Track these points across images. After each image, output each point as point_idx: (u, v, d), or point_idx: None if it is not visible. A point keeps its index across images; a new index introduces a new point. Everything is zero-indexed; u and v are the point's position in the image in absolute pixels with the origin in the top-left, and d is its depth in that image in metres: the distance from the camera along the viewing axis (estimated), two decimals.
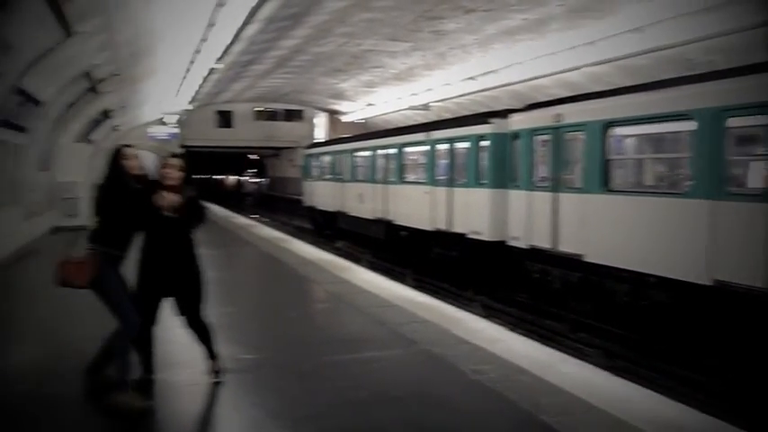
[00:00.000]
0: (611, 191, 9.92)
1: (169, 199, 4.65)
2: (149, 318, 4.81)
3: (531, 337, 7.24)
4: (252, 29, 15.65)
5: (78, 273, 4.52)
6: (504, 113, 13.20)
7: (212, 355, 5.05)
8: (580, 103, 10.85)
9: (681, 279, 8.52)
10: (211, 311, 7.57)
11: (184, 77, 20.70)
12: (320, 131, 38.35)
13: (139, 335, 4.72)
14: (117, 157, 4.78)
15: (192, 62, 17.23)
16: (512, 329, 7.58)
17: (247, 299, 8.84)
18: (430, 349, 5.88)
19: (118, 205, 4.62)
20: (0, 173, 10.79)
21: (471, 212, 13.59)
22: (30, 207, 13.78)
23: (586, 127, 10.34)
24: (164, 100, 26.63)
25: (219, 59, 16.44)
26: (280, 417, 4.39)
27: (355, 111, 33.67)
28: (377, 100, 30.67)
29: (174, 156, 5.01)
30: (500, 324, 8.39)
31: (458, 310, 7.73)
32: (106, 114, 20.05)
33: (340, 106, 34.75)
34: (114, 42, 12.06)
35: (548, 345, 6.89)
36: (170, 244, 4.78)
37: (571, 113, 10.82)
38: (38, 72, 10.30)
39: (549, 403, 4.50)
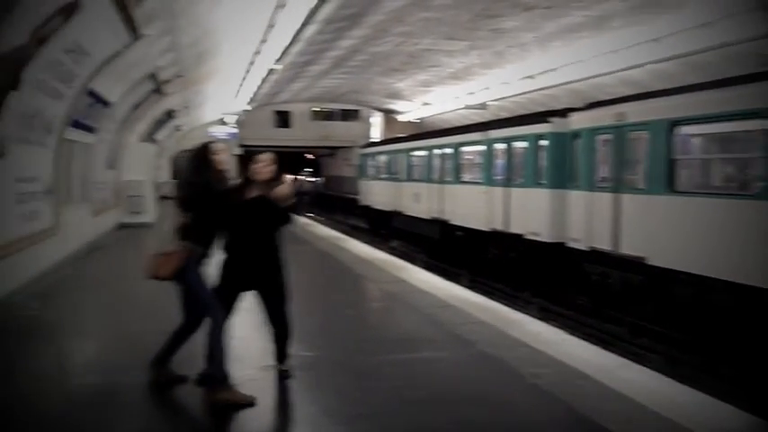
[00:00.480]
0: (676, 192, 9.60)
1: (281, 191, 4.69)
2: (226, 311, 4.87)
3: (590, 341, 7.07)
4: (310, 30, 15.83)
5: (165, 265, 4.58)
6: (563, 112, 12.95)
7: (283, 355, 5.06)
8: (644, 101, 10.54)
9: (750, 284, 8.18)
10: None
11: (244, 78, 21.15)
12: (376, 131, 38.49)
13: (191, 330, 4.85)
14: (205, 152, 4.75)
15: (251, 63, 17.59)
16: (570, 333, 7.40)
17: (305, 296, 8.82)
18: (487, 351, 5.81)
19: (208, 202, 4.64)
20: (71, 171, 11.25)
21: (529, 213, 13.39)
22: (97, 204, 14.31)
23: (651, 126, 10.03)
24: (224, 100, 27.24)
25: (278, 60, 16.71)
26: (336, 414, 4.41)
27: (411, 110, 33.66)
28: (433, 99, 30.58)
29: (267, 152, 5.00)
30: (558, 327, 8.23)
31: (515, 311, 7.62)
32: (170, 115, 20.65)
33: (396, 106, 34.80)
34: (179, 44, 12.41)
35: (608, 349, 6.71)
36: (255, 239, 4.80)
37: (634, 112, 10.53)
38: (106, 74, 10.68)
39: (611, 410, 4.38)
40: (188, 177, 4.77)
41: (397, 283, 9.39)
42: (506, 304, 9.25)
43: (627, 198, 10.61)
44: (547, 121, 13.03)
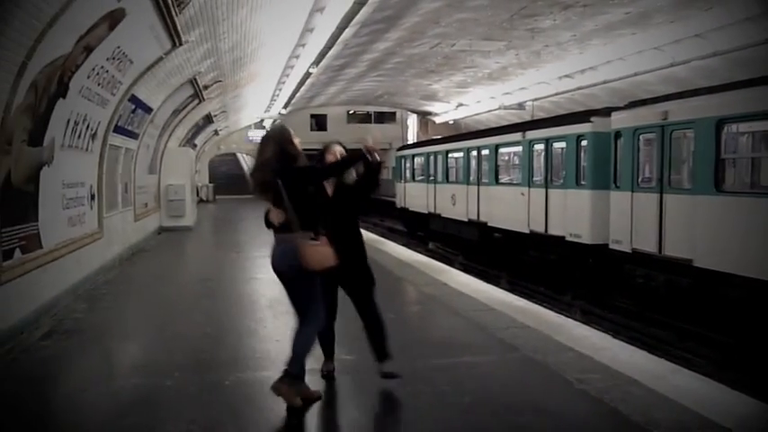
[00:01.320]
0: (724, 192, 9.34)
1: (368, 145, 4.74)
2: (332, 309, 4.93)
3: (635, 345, 6.89)
4: (347, 33, 15.90)
5: (326, 252, 4.39)
6: (604, 112, 12.72)
7: (384, 354, 4.89)
8: (689, 99, 10.27)
9: None
10: None
11: (282, 82, 21.35)
12: (411, 133, 38.47)
13: (325, 327, 4.81)
14: (286, 139, 4.57)
15: (289, 67, 17.75)
16: (615, 337, 7.24)
17: (346, 299, 8.91)
18: (532, 356, 5.71)
19: (309, 190, 4.55)
20: (113, 176, 11.48)
21: (570, 214, 13.19)
22: (139, 208, 14.58)
23: (696, 124, 9.78)
24: (261, 105, 27.53)
25: (314, 64, 16.80)
26: (382, 420, 4.38)
27: (447, 111, 33.57)
28: (469, 100, 30.44)
29: (338, 143, 5.04)
30: (602, 331, 8.07)
31: (558, 315, 7.48)
32: (209, 119, 20.95)
33: (431, 107, 34.75)
34: (219, 50, 12.57)
35: (655, 354, 6.54)
36: (343, 227, 4.79)
37: (679, 110, 10.28)
38: (148, 80, 10.87)
39: (663, 418, 4.25)
40: (271, 166, 4.47)
41: (437, 285, 9.32)
42: (547, 307, 9.12)
43: (671, 199, 10.37)
44: (588, 121, 12.81)
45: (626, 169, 11.58)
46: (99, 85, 8.47)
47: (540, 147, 14.70)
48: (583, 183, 12.93)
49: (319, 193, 4.69)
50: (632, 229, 11.31)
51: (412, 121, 38.64)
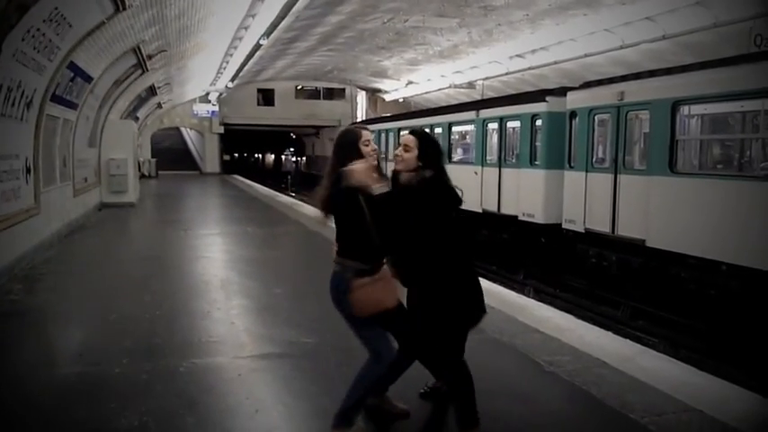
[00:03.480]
0: (678, 173, 9.44)
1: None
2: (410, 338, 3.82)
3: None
4: (300, 4, 15.38)
5: (387, 291, 3.56)
6: (559, 91, 12.72)
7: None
8: (646, 80, 10.32)
9: (755, 267, 8.06)
10: (264, 291, 7.50)
11: (230, 54, 20.63)
12: (360, 110, 38.09)
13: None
14: (356, 141, 3.65)
15: (238, 38, 17.10)
16: (578, 317, 7.21)
17: (304, 279, 8.61)
18: (498, 338, 5.59)
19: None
20: (51, 149, 10.79)
21: (523, 194, 13.20)
22: (78, 183, 13.84)
23: (653, 105, 9.83)
24: (207, 77, 26.63)
25: (265, 35, 16.23)
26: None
27: (397, 89, 33.26)
28: (419, 78, 30.19)
29: (411, 132, 3.86)
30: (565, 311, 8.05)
31: (520, 296, 7.41)
32: (153, 91, 20.08)
33: (381, 85, 34.37)
34: (164, 17, 11.93)
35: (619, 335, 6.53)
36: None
37: (635, 91, 10.32)
38: (88, 47, 10.21)
39: (637, 401, 4.17)
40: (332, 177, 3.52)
41: None
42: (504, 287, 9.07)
43: (626, 179, 10.44)
44: (542, 101, 12.79)
45: (581, 149, 11.61)
46: (35, 49, 7.85)
47: (493, 126, 14.64)
48: (537, 162, 12.93)
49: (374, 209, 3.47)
50: (586, 209, 11.38)
51: (361, 98, 38.19)
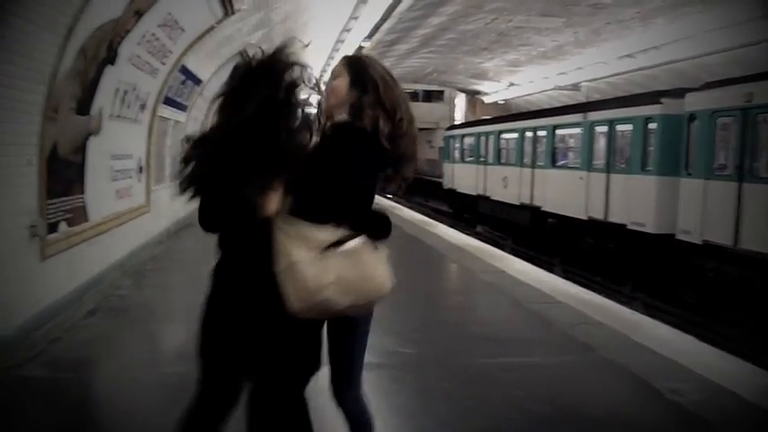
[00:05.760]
0: None
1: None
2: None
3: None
4: (402, 5, 15.29)
5: None
6: (676, 93, 11.90)
7: None
8: None
9: None
10: None
11: (331, 57, 20.86)
12: (459, 112, 37.70)
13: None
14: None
15: (341, 41, 17.24)
16: (697, 338, 6.61)
17: (401, 285, 8.46)
18: (611, 358, 5.16)
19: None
20: (161, 149, 11.21)
21: (633, 202, 12.45)
22: None
23: None
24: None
25: (368, 37, 16.25)
26: (452, 427, 3.90)
27: (497, 91, 32.62)
28: (521, 80, 29.46)
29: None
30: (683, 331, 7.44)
31: (633, 312, 6.89)
32: None
33: (481, 86, 33.83)
34: (270, 20, 12.14)
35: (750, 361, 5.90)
36: None
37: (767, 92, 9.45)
38: (198, 51, 10.51)
39: None
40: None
41: (496, 273, 8.80)
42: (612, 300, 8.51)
43: (752, 189, 9.58)
44: (657, 102, 12.01)
45: (700, 155, 10.80)
46: (149, 53, 8.13)
47: (601, 129, 13.93)
48: (649, 168, 12.17)
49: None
50: (704, 220, 10.56)
51: (460, 100, 37.78)
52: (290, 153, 2.29)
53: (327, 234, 2.30)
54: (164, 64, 9.08)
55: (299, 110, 2.40)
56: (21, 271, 5.20)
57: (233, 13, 9.26)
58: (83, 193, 6.69)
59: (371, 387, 4.51)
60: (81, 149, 6.62)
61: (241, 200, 2.27)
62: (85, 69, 6.19)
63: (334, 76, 2.64)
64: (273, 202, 2.30)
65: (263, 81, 2.35)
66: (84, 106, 6.50)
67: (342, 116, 2.52)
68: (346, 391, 2.64)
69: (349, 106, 2.50)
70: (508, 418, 3.98)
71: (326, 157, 2.39)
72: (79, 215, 6.57)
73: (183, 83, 11.27)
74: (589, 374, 4.90)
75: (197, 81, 12.18)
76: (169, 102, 10.82)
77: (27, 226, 5.30)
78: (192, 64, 11.01)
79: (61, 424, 3.47)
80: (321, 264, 2.26)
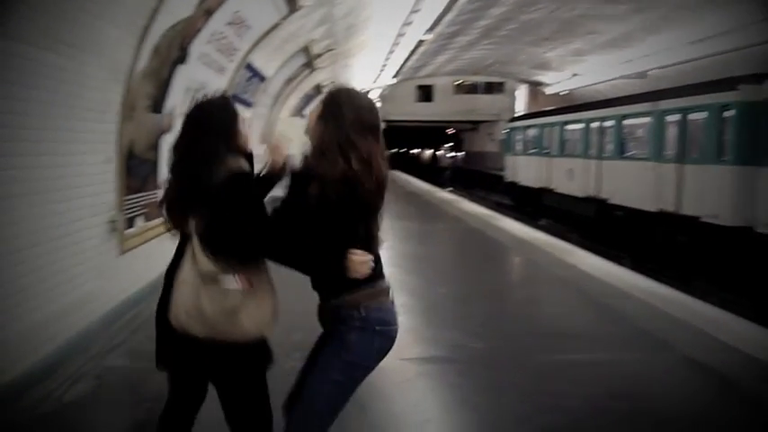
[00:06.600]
0: None
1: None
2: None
3: None
4: None
5: None
6: (755, 78, 11.34)
7: None
8: None
9: None
10: (427, 289, 7.33)
11: (391, 51, 20.85)
12: (520, 104, 37.08)
13: None
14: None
15: (401, 35, 17.18)
16: None
17: (469, 278, 8.39)
18: (691, 355, 4.97)
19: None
20: None
21: (708, 193, 11.95)
22: None
23: None
24: (369, 75, 27.19)
25: (429, 30, 16.15)
26: (527, 423, 3.83)
27: (560, 81, 31.89)
28: (584, 69, 28.71)
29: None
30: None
31: (713, 307, 6.61)
32: (318, 89, 20.82)
33: (543, 77, 33.15)
34: (333, 16, 12.21)
35: None
36: None
37: None
38: (263, 48, 10.67)
39: None
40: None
41: (566, 268, 8.61)
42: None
43: None
44: (734, 89, 11.47)
45: None
46: (218, 51, 8.29)
47: (673, 117, 13.42)
48: (725, 158, 11.64)
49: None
50: None
51: (521, 91, 37.15)
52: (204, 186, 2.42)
53: (207, 265, 2.39)
54: (231, 62, 9.25)
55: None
56: (101, 264, 5.41)
57: (297, 9, 9.35)
58: (157, 189, 6.89)
59: (437, 381, 4.52)
60: (155, 147, 6.82)
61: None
62: (159, 68, 6.36)
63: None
64: (196, 225, 2.43)
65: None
66: (157, 105, 6.69)
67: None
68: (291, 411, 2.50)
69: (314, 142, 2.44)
70: (585, 416, 3.88)
71: (222, 201, 2.41)
72: (155, 210, 6.78)
73: (249, 80, 11.47)
74: (668, 373, 4.73)
75: (262, 78, 12.38)
76: (235, 99, 11.02)
77: (107, 221, 5.50)
78: (258, 61, 11.19)
79: (148, 411, 3.57)
80: (190, 290, 2.39)
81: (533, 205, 22.42)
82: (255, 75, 11.66)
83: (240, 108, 9.21)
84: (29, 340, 4.18)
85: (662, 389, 4.38)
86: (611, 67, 26.26)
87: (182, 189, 2.53)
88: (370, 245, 2.40)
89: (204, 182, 2.41)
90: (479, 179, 37.88)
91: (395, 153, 61.82)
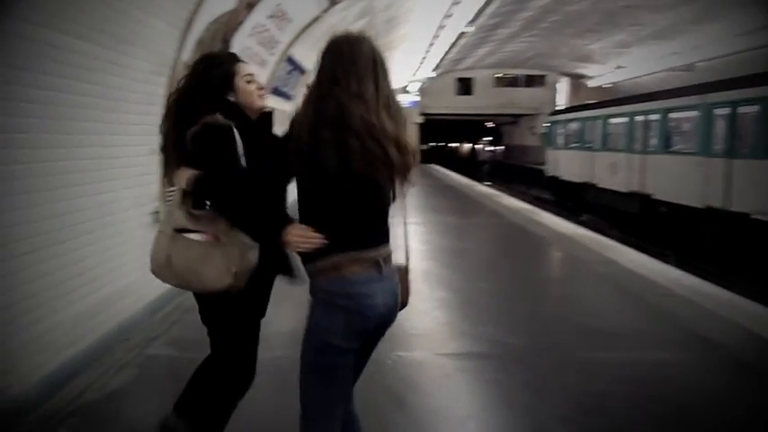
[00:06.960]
0: None
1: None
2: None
3: None
4: None
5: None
6: None
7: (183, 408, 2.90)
8: None
9: None
10: (466, 284, 7.27)
11: (432, 44, 20.75)
12: (562, 97, 36.52)
13: None
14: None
15: (441, 27, 17.09)
16: None
17: (507, 274, 8.29)
18: (743, 359, 4.80)
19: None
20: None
21: (758, 189, 11.58)
22: None
23: None
24: (408, 68, 27.11)
25: (471, 22, 16.01)
26: (572, 423, 3.75)
27: (603, 74, 31.31)
28: (629, 62, 28.10)
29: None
30: None
31: (764, 307, 6.39)
32: None
33: (586, 70, 32.60)
34: (373, 9, 12.18)
35: None
36: None
37: None
38: (304, 40, 10.70)
39: None
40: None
41: (608, 264, 8.44)
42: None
43: None
44: None
45: None
46: (260, 44, 8.35)
47: (722, 111, 13.03)
48: None
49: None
50: None
51: (562, 85, 36.58)
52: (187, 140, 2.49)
53: (180, 218, 2.49)
54: (272, 54, 9.32)
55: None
56: (145, 255, 5.48)
57: (338, 2, 9.35)
58: None
59: (476, 377, 4.46)
60: None
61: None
62: None
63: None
64: (180, 177, 2.51)
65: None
66: None
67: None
68: None
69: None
70: (630, 418, 3.78)
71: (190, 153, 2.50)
72: None
73: (289, 73, 11.52)
74: (716, 374, 4.57)
75: (302, 71, 12.43)
76: (276, 92, 11.09)
77: (150, 212, 5.58)
78: (298, 54, 11.23)
79: None
80: (162, 239, 2.55)
81: (575, 200, 22.08)
82: (296, 68, 11.71)
83: (280, 101, 9.17)
84: (73, 330, 4.27)
85: (710, 393, 4.24)
86: (656, 59, 25.65)
87: (167, 140, 2.66)
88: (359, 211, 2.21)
89: (184, 134, 2.49)
90: (519, 173, 37.46)
91: (432, 146, 61.52)
